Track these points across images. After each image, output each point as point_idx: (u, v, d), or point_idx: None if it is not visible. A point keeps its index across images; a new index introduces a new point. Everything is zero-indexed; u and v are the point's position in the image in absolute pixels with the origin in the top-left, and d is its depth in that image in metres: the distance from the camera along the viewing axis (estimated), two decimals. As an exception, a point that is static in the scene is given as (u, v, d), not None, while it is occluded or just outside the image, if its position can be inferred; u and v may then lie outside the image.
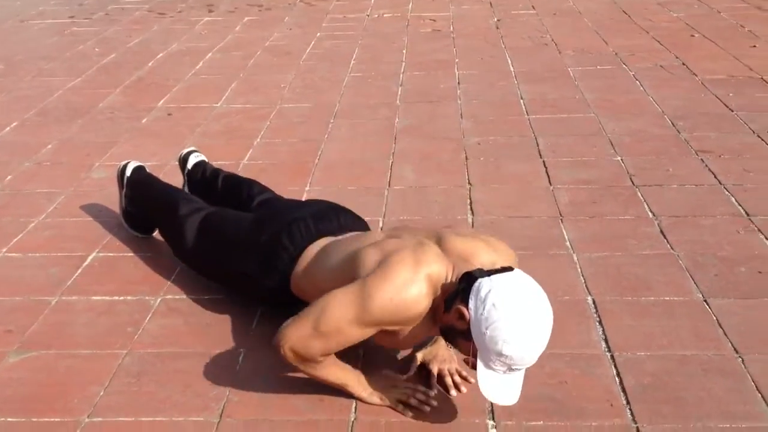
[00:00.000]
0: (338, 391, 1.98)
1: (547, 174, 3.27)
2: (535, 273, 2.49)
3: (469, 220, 2.90)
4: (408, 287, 1.83)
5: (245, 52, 5.34)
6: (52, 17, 6.65)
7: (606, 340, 2.19)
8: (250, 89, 4.56)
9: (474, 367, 1.79)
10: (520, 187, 3.17)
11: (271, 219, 2.33)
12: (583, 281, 2.48)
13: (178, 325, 2.34)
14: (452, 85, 4.52)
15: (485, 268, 1.82)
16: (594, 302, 2.37)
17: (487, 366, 1.75)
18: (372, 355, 2.16)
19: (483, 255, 1.93)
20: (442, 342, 2.09)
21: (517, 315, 1.71)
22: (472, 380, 2.03)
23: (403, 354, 2.15)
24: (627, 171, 3.27)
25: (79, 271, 2.64)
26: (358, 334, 1.87)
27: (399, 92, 4.42)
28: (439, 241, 1.98)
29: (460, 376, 2.04)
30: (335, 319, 1.84)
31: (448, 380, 2.03)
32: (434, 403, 1.96)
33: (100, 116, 4.17)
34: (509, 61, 4.93)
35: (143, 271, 2.63)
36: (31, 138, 3.87)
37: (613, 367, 2.08)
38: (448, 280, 1.86)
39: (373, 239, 2.07)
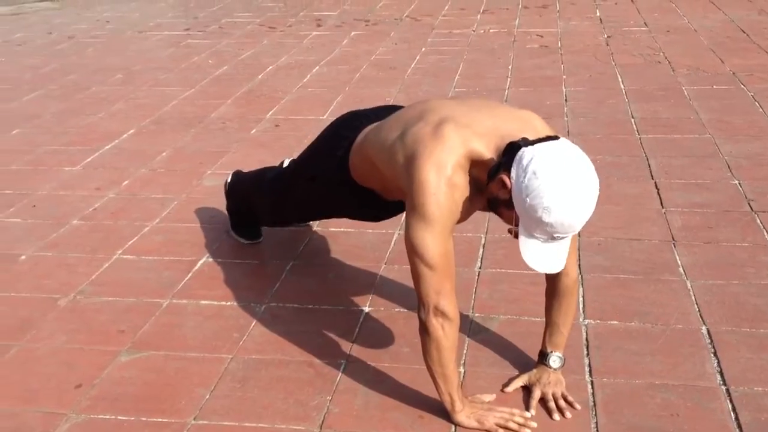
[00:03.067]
0: (437, 408, 1.95)
1: (659, 196, 3.16)
2: (646, 298, 2.43)
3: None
4: (439, 177, 1.82)
5: (351, 66, 5.41)
6: (168, 29, 6.93)
7: (721, 373, 2.08)
8: (356, 102, 4.61)
9: (516, 235, 1.77)
10: (630, 208, 3.07)
11: (334, 122, 2.43)
12: (697, 309, 2.37)
13: (282, 332, 2.37)
14: (559, 102, 4.44)
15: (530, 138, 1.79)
16: (709, 332, 2.26)
17: (529, 234, 1.73)
18: (472, 375, 2.13)
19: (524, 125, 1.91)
20: (545, 366, 2.05)
21: (557, 183, 1.66)
22: (578, 406, 1.98)
23: (506, 375, 2.11)
24: (745, 195, 3.12)
25: (190, 275, 2.72)
26: (451, 241, 1.87)
27: (505, 108, 4.36)
28: (468, 111, 1.95)
29: (566, 401, 1.99)
30: (432, 248, 1.83)
31: (552, 404, 1.98)
32: (534, 424, 1.91)
33: (212, 126, 4.30)
34: (620, 79, 4.80)
35: (249, 278, 2.69)
36: (147, 145, 4.03)
37: (728, 401, 1.98)
38: (478, 149, 1.84)
39: (404, 121, 2.03)
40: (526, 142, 1.76)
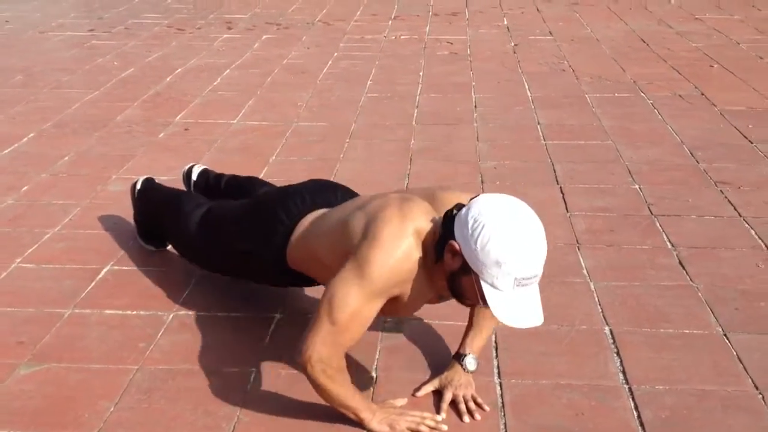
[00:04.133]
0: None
1: (564, 200, 3.25)
2: (551, 301, 2.49)
3: (485, 245, 2.88)
4: (396, 242, 1.82)
5: (263, 70, 5.36)
6: (71, 30, 6.70)
7: (624, 372, 2.15)
8: (267, 107, 4.57)
9: (486, 304, 1.74)
10: (536, 212, 3.13)
11: (267, 197, 2.37)
12: (600, 311, 2.45)
13: (190, 341, 2.32)
14: (469, 108, 4.51)
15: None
16: (612, 332, 2.34)
17: (493, 286, 1.72)
18: (384, 381, 2.13)
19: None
20: (459, 368, 2.07)
21: (500, 219, 1.70)
22: (487, 408, 2.01)
23: (419, 379, 2.13)
24: (645, 200, 3.24)
25: (93, 283, 2.63)
26: (372, 310, 1.85)
27: (415, 114, 4.41)
28: (430, 198, 1.96)
29: (475, 402, 2.02)
30: (346, 304, 1.81)
31: (462, 407, 2.00)
32: (444, 428, 1.93)
33: (118, 129, 4.18)
34: (526, 86, 4.92)
35: (157, 286, 2.62)
36: (49, 149, 3.88)
37: (631, 399, 2.04)
38: (437, 235, 1.84)
39: (359, 203, 2.06)
40: (459, 207, 1.79)
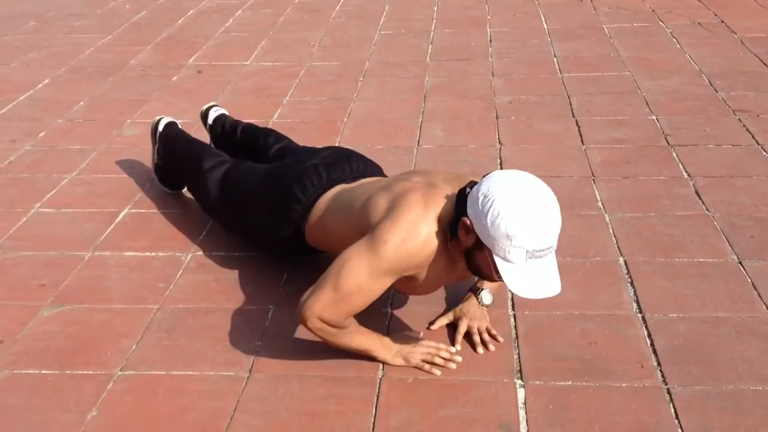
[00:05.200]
0: (366, 348, 1.99)
1: (580, 133, 3.22)
2: (566, 233, 2.47)
3: (500, 180, 2.87)
4: (417, 227, 1.81)
5: (275, 10, 5.30)
6: (82, -26, 6.64)
7: (637, 302, 2.16)
8: (280, 47, 4.53)
9: (500, 278, 1.75)
10: (551, 146, 3.13)
11: (283, 170, 2.32)
12: (615, 242, 2.45)
13: (209, 281, 2.36)
14: (484, 42, 4.45)
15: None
16: (626, 263, 2.34)
17: (505, 259, 1.72)
18: (398, 315, 2.16)
19: None
20: (474, 301, 2.09)
21: (510, 193, 1.70)
22: (501, 339, 2.03)
23: (433, 312, 2.15)
24: (662, 131, 3.21)
25: (112, 227, 2.67)
26: (378, 286, 1.85)
27: (429, 50, 4.36)
28: (452, 181, 1.95)
29: (489, 334, 2.04)
30: (353, 276, 1.82)
31: (476, 338, 2.03)
32: (459, 359, 1.96)
33: (131, 73, 4.18)
34: (543, 19, 4.83)
35: (174, 228, 2.65)
36: (63, 95, 3.89)
37: (644, 328, 2.06)
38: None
39: (383, 183, 2.06)
40: (472, 184, 1.79)
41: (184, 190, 2.83)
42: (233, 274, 2.38)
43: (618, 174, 2.88)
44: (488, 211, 1.70)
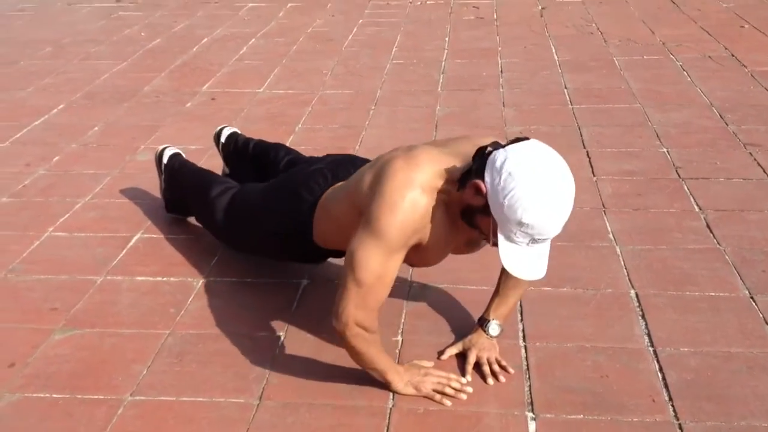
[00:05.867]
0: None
1: (591, 164, 3.23)
2: (577, 264, 2.49)
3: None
4: (402, 193, 1.80)
5: (288, 39, 5.36)
6: (99, 1, 6.73)
7: (649, 335, 2.16)
8: (293, 75, 4.58)
9: (496, 245, 1.74)
10: (562, 177, 3.13)
11: (290, 177, 2.35)
12: (626, 274, 2.45)
13: (220, 306, 2.36)
14: (495, 73, 4.48)
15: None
16: (637, 296, 2.34)
17: (509, 239, 1.71)
18: (409, 345, 2.16)
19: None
20: (482, 332, 2.09)
21: (535, 181, 1.66)
22: (512, 370, 2.03)
23: (443, 342, 2.15)
24: (673, 163, 3.21)
25: (124, 251, 2.68)
26: (394, 263, 1.84)
27: (441, 80, 4.39)
28: (439, 145, 1.95)
29: (500, 365, 2.04)
30: (367, 264, 1.81)
31: (486, 369, 2.02)
32: (470, 389, 1.95)
33: (146, 100, 4.22)
34: (553, 50, 4.87)
35: (186, 253, 2.66)
36: (78, 120, 3.93)
37: (655, 362, 2.05)
38: (450, 166, 1.83)
39: (372, 162, 2.06)
40: (496, 146, 1.75)
41: (193, 218, 2.84)
42: (244, 300, 2.39)
43: (629, 206, 2.88)
44: (509, 192, 1.66)
